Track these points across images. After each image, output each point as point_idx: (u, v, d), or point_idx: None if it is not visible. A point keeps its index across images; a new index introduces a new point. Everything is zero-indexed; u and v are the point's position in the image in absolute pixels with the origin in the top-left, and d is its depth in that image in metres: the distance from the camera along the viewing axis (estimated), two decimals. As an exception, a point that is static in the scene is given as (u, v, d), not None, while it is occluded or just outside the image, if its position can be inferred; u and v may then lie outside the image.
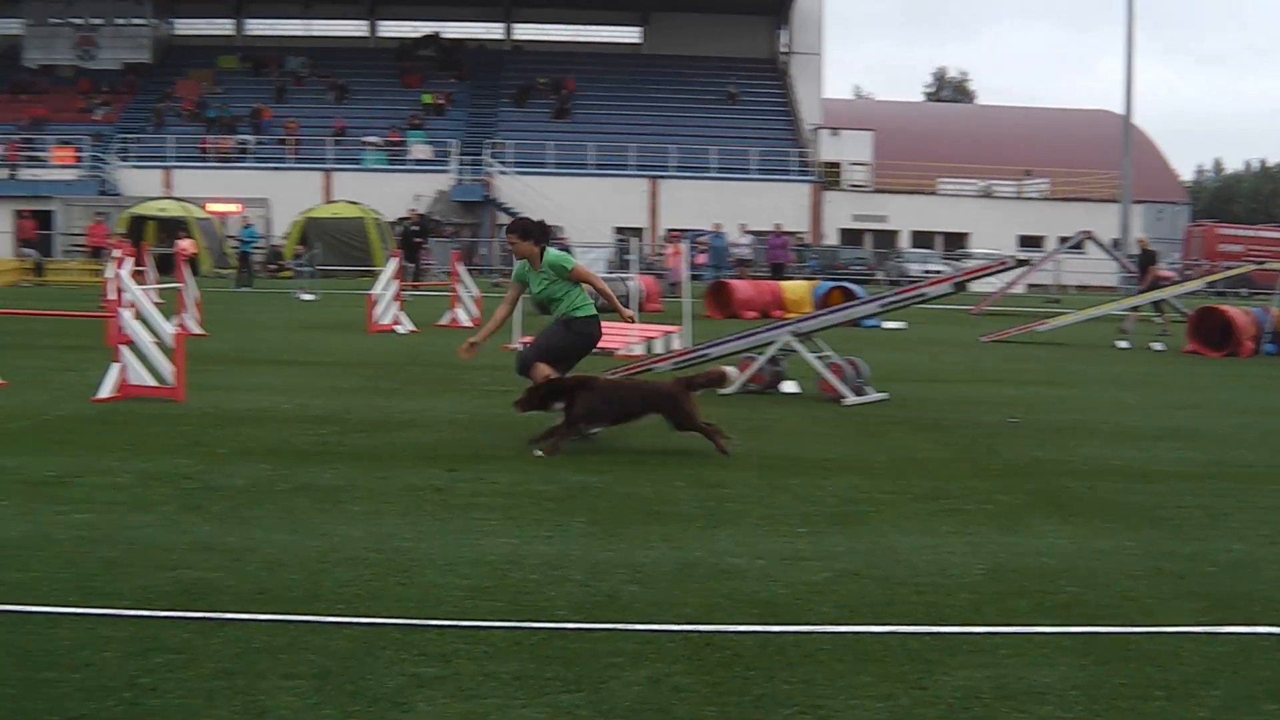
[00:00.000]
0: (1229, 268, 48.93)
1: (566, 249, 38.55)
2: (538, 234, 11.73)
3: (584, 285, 11.75)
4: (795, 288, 33.09)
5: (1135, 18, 56.57)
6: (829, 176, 66.14)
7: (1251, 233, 71.08)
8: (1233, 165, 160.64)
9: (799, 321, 15.45)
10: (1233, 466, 11.03)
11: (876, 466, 10.43)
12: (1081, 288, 55.60)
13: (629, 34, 78.37)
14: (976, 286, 25.57)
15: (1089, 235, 39.05)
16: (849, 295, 28.23)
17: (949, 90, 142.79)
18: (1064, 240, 46.97)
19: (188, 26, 79.99)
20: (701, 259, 43.20)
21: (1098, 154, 76.07)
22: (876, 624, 6.17)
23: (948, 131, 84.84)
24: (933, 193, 68.69)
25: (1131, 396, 16.49)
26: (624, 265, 43.78)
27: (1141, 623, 6.32)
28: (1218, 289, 49.27)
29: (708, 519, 8.38)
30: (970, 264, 48.12)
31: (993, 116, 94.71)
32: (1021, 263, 16.31)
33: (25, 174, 63.69)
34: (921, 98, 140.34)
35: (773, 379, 15.32)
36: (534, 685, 5.31)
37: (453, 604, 6.36)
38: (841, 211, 65.41)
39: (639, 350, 19.93)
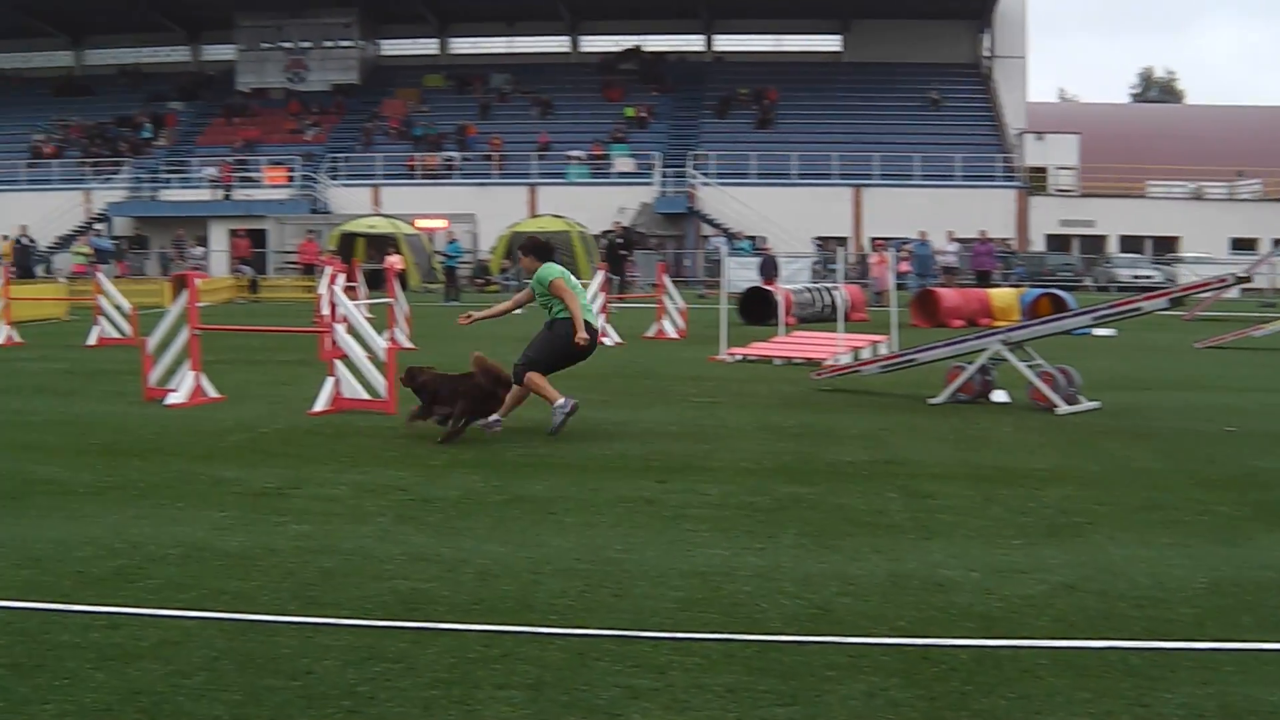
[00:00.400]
0: None
1: (773, 258, 38.60)
2: (537, 252, 13.14)
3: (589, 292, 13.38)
4: (1002, 295, 32.66)
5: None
6: (1035, 181, 65.20)
7: None
8: None
9: (1009, 330, 15.24)
10: None
11: (1091, 477, 10.24)
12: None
13: (830, 42, 77.97)
14: (1190, 291, 25.02)
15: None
16: (1057, 302, 27.81)
17: (1156, 90, 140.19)
18: (1279, 243, 45.86)
19: (394, 47, 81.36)
20: (905, 267, 42.83)
21: (1315, 152, 74.09)
22: (1095, 639, 6.06)
23: (1156, 133, 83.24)
24: (1141, 196, 67.31)
25: (1355, 402, 16.03)
26: (828, 274, 43.64)
27: (1373, 636, 6.13)
28: None
29: (920, 530, 8.30)
30: (1183, 269, 47.25)
31: (1202, 116, 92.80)
32: (1241, 280, 15.85)
33: (239, 194, 65.26)
34: (1128, 99, 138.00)
35: (983, 388, 15.14)
36: (748, 698, 5.30)
37: (665, 615, 6.37)
38: (1048, 217, 64.38)
39: (845, 360, 19.83)
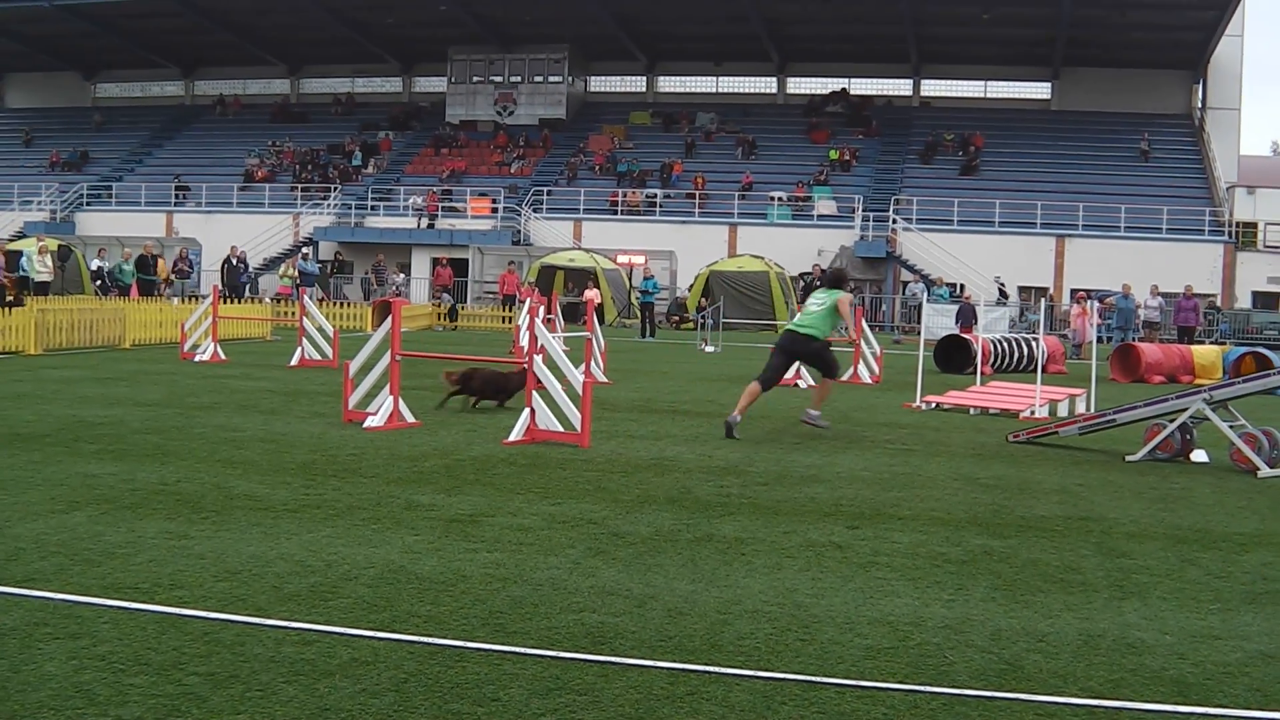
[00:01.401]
0: None
1: (971, 306, 38.27)
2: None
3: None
4: (1205, 352, 32.00)
5: None
6: (1244, 236, 63.85)
7: None
8: None
9: (1212, 388, 14.95)
10: None
11: (1293, 543, 10.00)
12: None
13: (1039, 89, 77.14)
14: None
15: None
16: (1262, 361, 27.20)
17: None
18: None
19: (602, 84, 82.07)
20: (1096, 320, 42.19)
21: None
22: (1293, 709, 5.92)
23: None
24: (1355, 254, 65.66)
25: None
26: (1026, 324, 43.11)
27: None
28: None
29: (1114, 590, 8.16)
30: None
31: None
32: None
33: (443, 223, 66.17)
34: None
35: (1183, 447, 14.86)
36: (933, 750, 5.27)
37: (852, 663, 6.34)
38: (1256, 273, 62.91)
39: (1043, 413, 19.57)
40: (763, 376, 16.56)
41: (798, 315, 17.60)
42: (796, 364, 21.34)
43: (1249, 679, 6.37)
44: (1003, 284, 56.41)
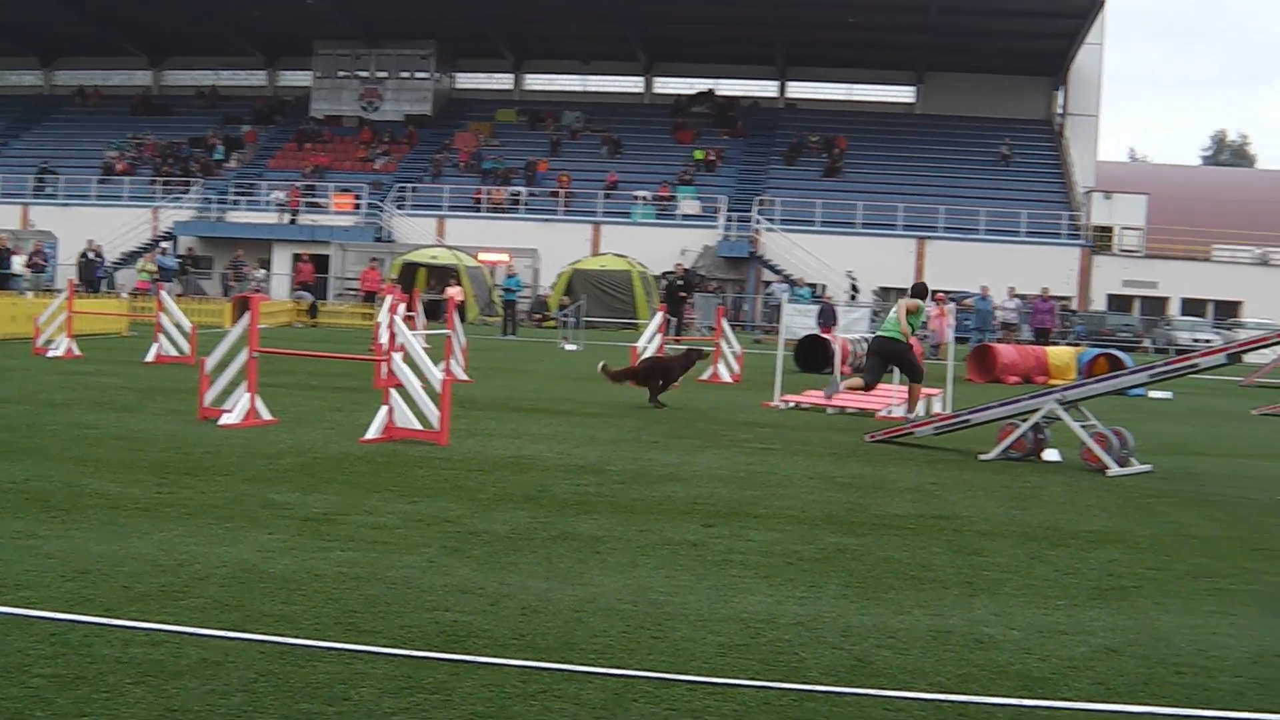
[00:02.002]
0: None
1: (832, 307, 38.61)
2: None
3: None
4: (1060, 354, 32.52)
5: None
6: (1100, 240, 64.98)
7: None
8: None
9: (1065, 389, 15.20)
10: None
11: (1140, 541, 10.18)
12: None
13: (903, 93, 78.03)
14: (1249, 357, 24.88)
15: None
16: (1115, 362, 27.68)
17: (1228, 153, 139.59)
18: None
19: (469, 81, 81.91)
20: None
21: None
22: (1133, 703, 6.03)
23: (1225, 196, 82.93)
24: (1206, 259, 67.00)
25: None
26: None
27: None
28: None
29: (964, 586, 8.27)
30: (1243, 334, 46.94)
31: (1273, 182, 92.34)
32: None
33: (305, 219, 65.70)
34: (1199, 161, 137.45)
35: (1035, 446, 15.09)
36: (782, 746, 5.31)
37: (704, 660, 6.37)
38: (1111, 277, 64.06)
39: (899, 412, 19.79)
40: (864, 379, 19.44)
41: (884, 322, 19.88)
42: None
43: (1093, 673, 6.48)
44: (855, 279, 57.04)
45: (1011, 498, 12.12)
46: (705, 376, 25.82)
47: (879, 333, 19.38)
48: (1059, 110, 75.07)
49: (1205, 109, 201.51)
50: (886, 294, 58.11)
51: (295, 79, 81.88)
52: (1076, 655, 6.78)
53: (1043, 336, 43.33)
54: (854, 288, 56.61)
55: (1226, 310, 63.66)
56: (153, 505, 9.67)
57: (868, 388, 19.35)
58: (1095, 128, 74.02)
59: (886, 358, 19.21)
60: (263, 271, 57.76)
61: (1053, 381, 28.60)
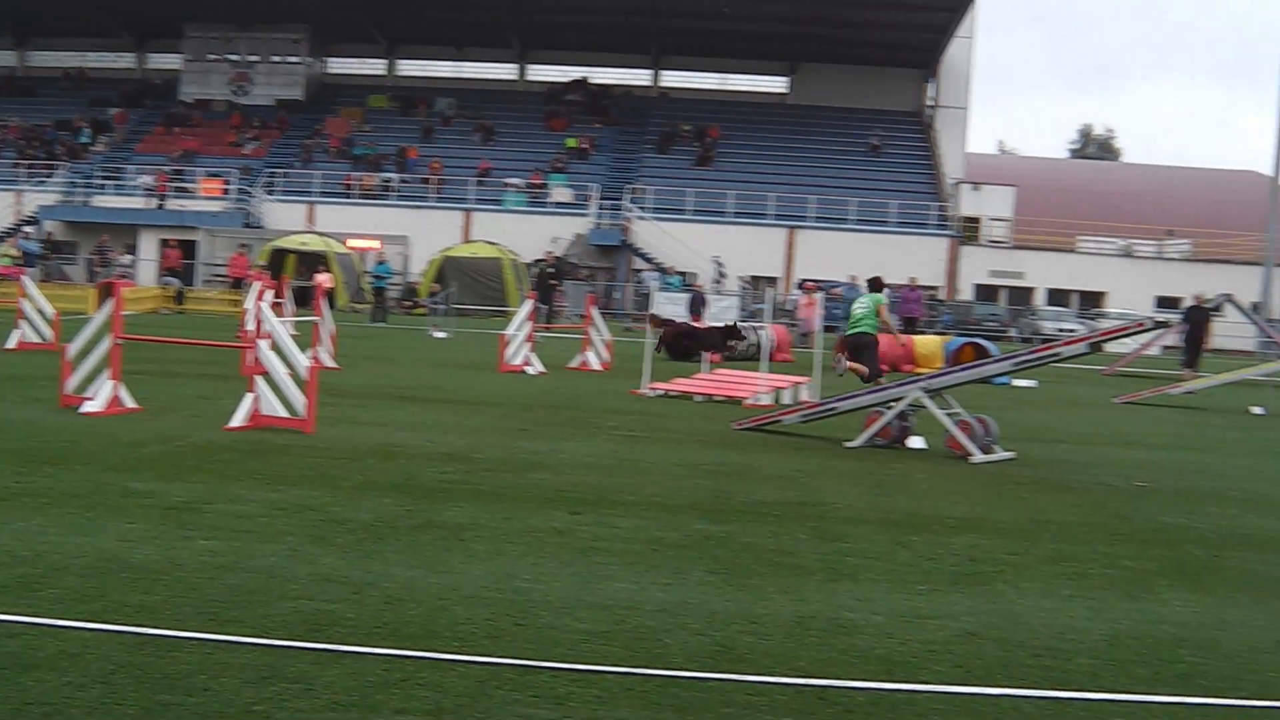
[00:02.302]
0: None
1: (701, 295, 38.78)
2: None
3: None
4: (927, 342, 32.82)
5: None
6: (968, 231, 65.71)
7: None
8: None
9: (930, 377, 15.36)
10: (1368, 541, 10.79)
11: (1001, 526, 10.33)
12: (1219, 351, 54.81)
13: (775, 84, 78.38)
14: (1111, 347, 25.27)
15: (1229, 298, 38.53)
16: (981, 351, 28.00)
17: (1094, 147, 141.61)
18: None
19: (341, 65, 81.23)
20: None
21: (1243, 215, 75.19)
22: (992, 686, 6.13)
23: (1090, 189, 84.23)
24: (1072, 250, 67.99)
25: (1266, 464, 16.17)
26: (756, 314, 43.75)
27: (1262, 696, 6.22)
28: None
29: (828, 572, 8.34)
30: (1106, 323, 47.68)
31: (1137, 175, 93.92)
32: (1160, 324, 16.10)
33: (173, 204, 64.87)
34: (1066, 154, 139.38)
35: (900, 434, 15.25)
36: (645, 732, 5.33)
37: (568, 647, 6.38)
38: (978, 267, 64.84)
39: (766, 400, 19.90)
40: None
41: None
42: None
43: (953, 656, 6.58)
44: (721, 264, 57.42)
45: (876, 484, 12.24)
46: (575, 364, 25.81)
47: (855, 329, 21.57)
48: (929, 102, 75.82)
49: (1073, 103, 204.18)
50: (756, 283, 58.48)
51: (164, 62, 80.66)
52: (937, 639, 6.87)
53: (910, 325, 43.67)
54: (720, 274, 56.92)
55: (1091, 300, 64.65)
56: (10, 495, 9.50)
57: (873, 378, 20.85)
58: (965, 120, 74.83)
59: (856, 349, 21.20)
60: (129, 257, 56.97)
61: (920, 370, 28.87)
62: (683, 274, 56.77)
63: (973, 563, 8.88)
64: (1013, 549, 9.41)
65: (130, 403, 14.81)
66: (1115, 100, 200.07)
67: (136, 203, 65.06)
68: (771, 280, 61.39)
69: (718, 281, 56.03)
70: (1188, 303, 33.84)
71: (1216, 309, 37.47)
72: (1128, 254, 67.47)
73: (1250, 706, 6.07)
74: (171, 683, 5.59)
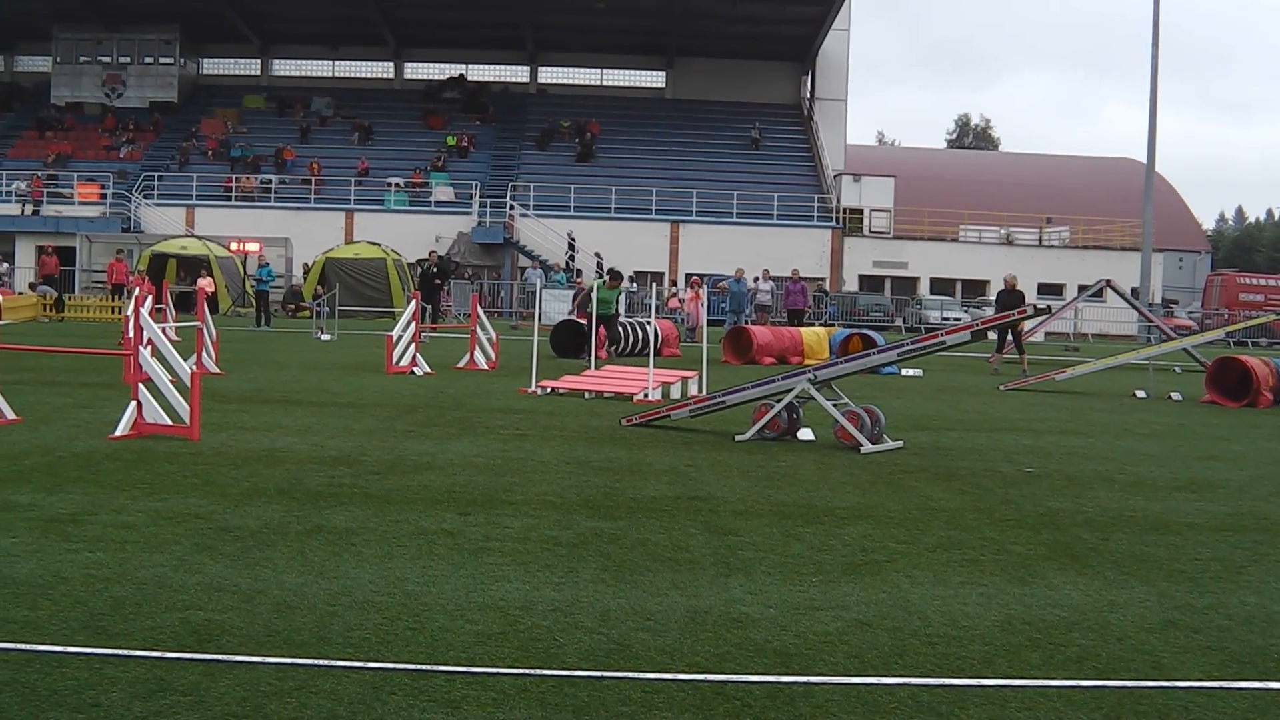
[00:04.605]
0: (1249, 316, 49.16)
1: (588, 291, 38.72)
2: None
3: None
4: (813, 334, 33.00)
5: (1159, 65, 56.85)
6: (850, 222, 66.16)
7: (1273, 282, 71.04)
8: (1254, 213, 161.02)
9: (817, 369, 15.41)
10: (1250, 519, 10.95)
11: (891, 516, 10.39)
12: (1100, 336, 55.65)
13: (653, 78, 78.61)
14: (995, 334, 25.54)
15: (1109, 284, 39.10)
16: (868, 342, 28.19)
17: (972, 137, 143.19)
18: (1083, 288, 47.07)
19: (214, 66, 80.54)
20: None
21: (1120, 202, 76.49)
22: (887, 675, 6.15)
23: (970, 178, 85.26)
24: (954, 239, 68.76)
25: (1149, 447, 16.37)
26: (640, 309, 43.81)
27: (1154, 676, 6.29)
28: (1237, 338, 49.32)
29: (720, 567, 8.34)
30: (988, 311, 48.21)
31: (1015, 164, 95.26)
32: (1040, 311, 16.30)
33: (49, 210, 63.96)
34: (945, 144, 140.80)
35: (789, 426, 15.30)
36: (542, 733, 5.30)
37: (462, 649, 6.34)
38: (862, 258, 65.37)
39: (655, 395, 19.91)
40: None
41: None
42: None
43: (848, 647, 6.60)
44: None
45: (766, 477, 12.28)
46: (462, 364, 25.71)
47: None
48: (808, 95, 76.33)
49: (950, 93, 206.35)
50: (642, 278, 58.60)
51: (33, 64, 79.62)
52: (831, 630, 6.89)
53: (796, 318, 43.90)
54: (603, 268, 57.24)
55: (974, 288, 65.39)
56: (-114, 510, 9.32)
57: None
58: (843, 111, 75.50)
59: None
60: (5, 265, 56.11)
61: (807, 361, 29.03)
62: (567, 270, 56.73)
63: (864, 553, 8.91)
64: (903, 538, 9.47)
65: (9, 414, 14.57)
66: (991, 91, 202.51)
67: (11, 209, 64.06)
68: (658, 275, 61.56)
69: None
70: (998, 288, 33.94)
71: (1097, 294, 37.91)
72: (1008, 242, 68.30)
73: (1143, 687, 6.13)
74: (59, 699, 5.49)
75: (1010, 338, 31.39)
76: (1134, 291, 42.59)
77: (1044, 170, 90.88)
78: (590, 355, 24.73)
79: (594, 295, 24.60)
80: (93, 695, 5.55)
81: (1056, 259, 66.44)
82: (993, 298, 58.04)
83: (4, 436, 13.44)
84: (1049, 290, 61.96)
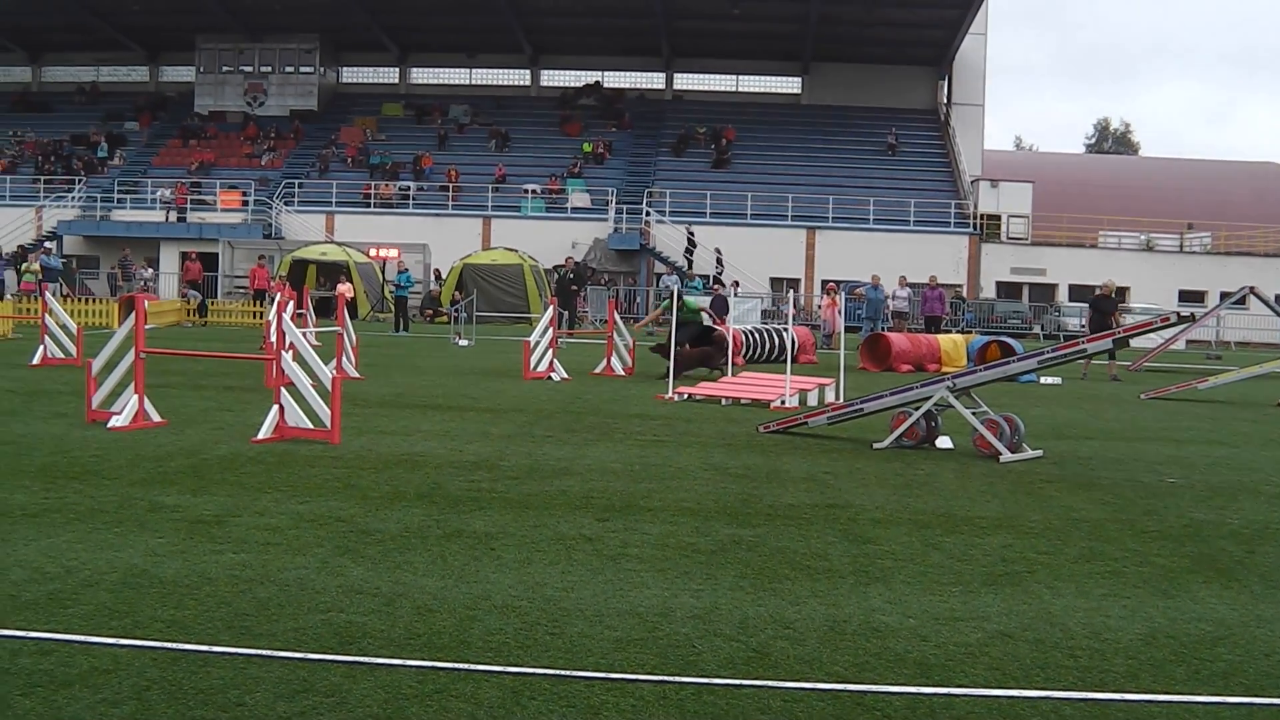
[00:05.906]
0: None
1: (723, 297, 38.68)
2: None
3: None
4: (951, 341, 32.72)
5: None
6: (988, 228, 65.52)
7: None
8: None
9: (955, 377, 15.29)
10: (1402, 533, 10.70)
11: (1031, 526, 10.27)
12: (1243, 344, 54.69)
13: (789, 84, 78.26)
14: (1136, 342, 25.20)
15: (1252, 290, 38.42)
16: (1006, 349, 27.92)
17: (1111, 142, 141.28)
18: (1226, 295, 46.26)
19: (354, 75, 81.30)
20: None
21: (1264, 207, 75.03)
22: (1029, 689, 6.07)
23: (1109, 183, 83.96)
24: (1093, 245, 67.80)
25: (1296, 458, 16.09)
26: (777, 316, 43.71)
27: (1303, 694, 6.17)
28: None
29: (859, 575, 8.29)
30: (1129, 319, 47.57)
31: (1155, 169, 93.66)
32: (1184, 318, 16.01)
33: (192, 217, 64.92)
34: (1083, 149, 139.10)
35: (928, 434, 15.19)
36: (681, 741, 5.29)
37: (601, 655, 6.35)
38: (999, 264, 64.64)
39: (793, 403, 19.84)
40: None
41: None
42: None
43: (988, 658, 6.53)
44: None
45: (904, 485, 12.19)
46: (599, 370, 25.77)
47: None
48: (944, 99, 75.68)
49: (1089, 97, 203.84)
50: (780, 285, 58.44)
51: (178, 74, 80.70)
52: (971, 641, 6.82)
53: (934, 324, 43.57)
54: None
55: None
56: (39, 511, 9.51)
57: None
58: (981, 116, 74.73)
59: None
60: (150, 270, 57.07)
61: (945, 369, 28.80)
62: (705, 277, 56.69)
63: (1005, 563, 8.82)
64: (1044, 548, 9.36)
65: (156, 417, 14.83)
66: (1132, 95, 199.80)
67: (156, 216, 65.10)
68: (794, 282, 61.36)
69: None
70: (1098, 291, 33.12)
71: (1240, 301, 37.28)
72: (1149, 248, 67.30)
73: (1292, 704, 6.02)
74: (205, 698, 5.57)
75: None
76: (1278, 298, 41.83)
77: (1185, 175, 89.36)
78: (727, 362, 24.65)
79: (674, 301, 24.17)
80: (238, 694, 5.62)
81: (1198, 265, 65.31)
82: (1133, 304, 57.29)
83: (150, 439, 13.67)
84: (1190, 297, 61.00)
